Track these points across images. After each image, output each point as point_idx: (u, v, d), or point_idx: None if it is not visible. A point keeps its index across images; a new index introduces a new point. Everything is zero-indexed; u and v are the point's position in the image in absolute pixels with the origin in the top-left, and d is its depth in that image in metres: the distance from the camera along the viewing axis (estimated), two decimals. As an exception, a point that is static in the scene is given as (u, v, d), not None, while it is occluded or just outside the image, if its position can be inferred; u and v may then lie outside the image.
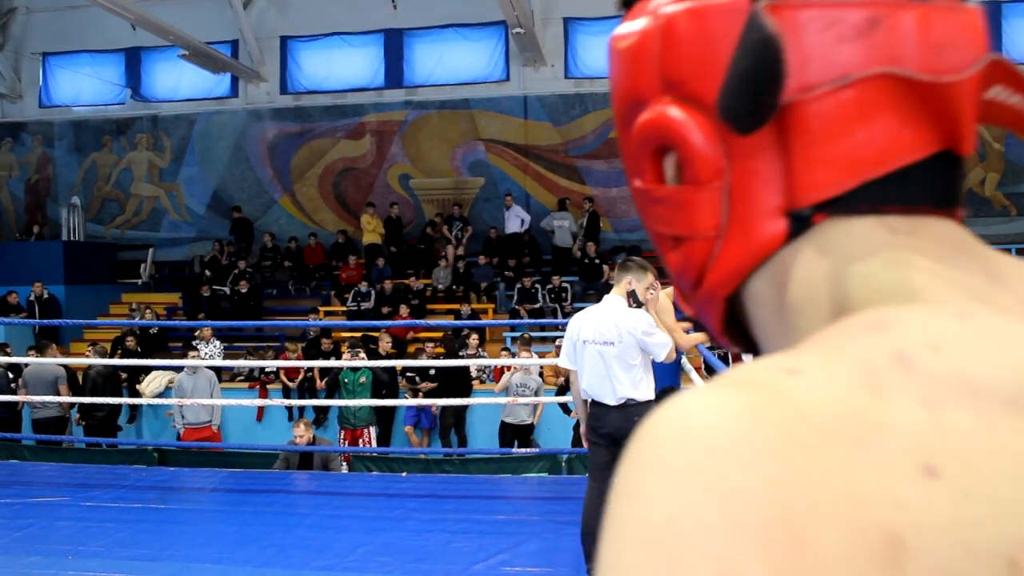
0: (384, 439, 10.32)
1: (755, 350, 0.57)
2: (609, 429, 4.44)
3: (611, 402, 4.43)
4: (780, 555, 0.33)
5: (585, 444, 4.78)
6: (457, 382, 10.43)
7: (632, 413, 4.40)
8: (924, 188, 0.48)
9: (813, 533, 0.33)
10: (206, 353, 11.33)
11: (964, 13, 0.48)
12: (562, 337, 9.74)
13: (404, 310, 13.15)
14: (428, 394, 10.60)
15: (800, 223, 0.48)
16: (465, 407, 10.49)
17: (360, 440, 9.63)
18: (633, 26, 0.54)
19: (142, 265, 16.94)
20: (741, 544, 0.33)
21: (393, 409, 10.46)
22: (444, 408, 10.36)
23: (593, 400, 4.50)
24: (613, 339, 4.41)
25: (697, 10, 0.49)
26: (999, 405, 0.37)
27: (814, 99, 0.46)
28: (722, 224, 0.50)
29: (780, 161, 0.48)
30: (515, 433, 9.69)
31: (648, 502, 0.35)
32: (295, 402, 10.31)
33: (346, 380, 9.96)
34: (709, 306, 0.55)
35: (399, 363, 10.01)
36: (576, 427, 8.70)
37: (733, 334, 0.57)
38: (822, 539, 0.33)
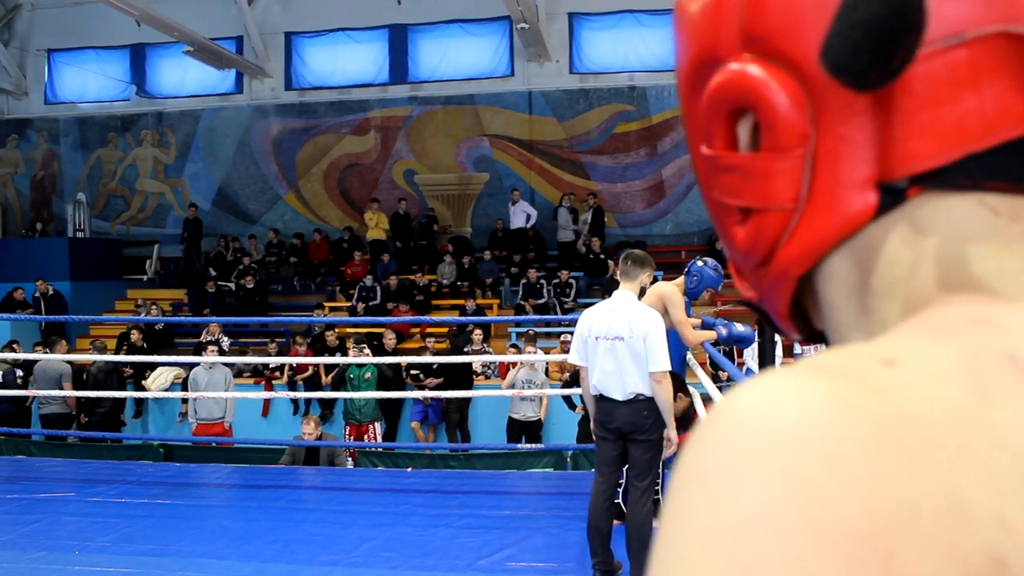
0: (390, 435, 10.34)
1: (816, 339, 0.53)
2: (618, 424, 4.44)
3: (620, 397, 4.42)
4: (865, 568, 0.29)
5: (594, 439, 4.80)
6: (460, 378, 10.44)
7: (641, 408, 4.41)
8: None
9: (905, 550, 0.30)
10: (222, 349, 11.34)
11: None
12: (567, 333, 9.69)
13: (403, 307, 13.18)
14: (433, 390, 10.60)
15: (892, 196, 0.43)
16: (469, 404, 10.49)
17: (366, 436, 9.65)
18: None
19: (147, 261, 16.98)
20: (823, 556, 0.30)
21: (399, 405, 10.47)
22: (449, 404, 10.36)
23: (602, 395, 4.49)
24: (624, 335, 4.40)
25: None
26: None
27: (922, 58, 0.41)
28: (802, 195, 0.45)
29: (874, 127, 0.43)
30: (522, 429, 9.70)
31: (723, 497, 0.32)
32: (302, 394, 10.33)
33: (351, 376, 9.97)
34: (778, 286, 0.50)
35: (404, 359, 10.01)
36: (582, 422, 8.70)
37: (797, 320, 0.52)
38: (915, 557, 0.30)
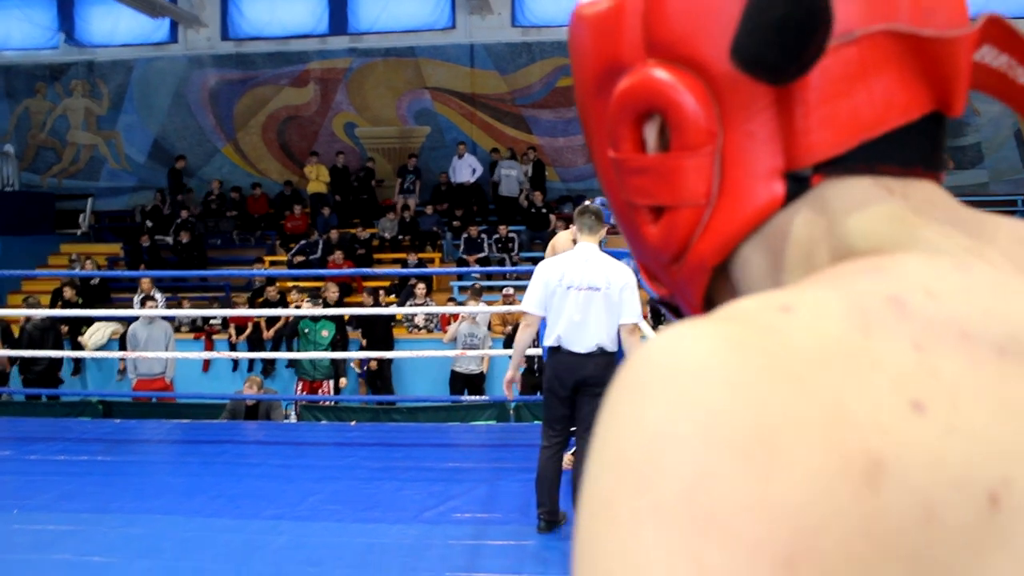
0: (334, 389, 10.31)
1: None
2: (576, 378, 4.43)
3: (582, 350, 4.42)
4: (754, 463, 0.33)
5: (507, 392, 5.02)
6: (383, 330, 10.42)
7: (602, 362, 4.42)
8: (916, 150, 0.48)
9: (790, 447, 0.33)
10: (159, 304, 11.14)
11: None
12: (510, 286, 9.62)
13: (340, 256, 13.06)
14: (369, 346, 10.57)
15: (798, 184, 0.47)
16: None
17: (320, 391, 9.59)
18: None
19: (81, 215, 16.55)
20: (715, 452, 0.33)
21: (344, 360, 10.43)
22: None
23: (562, 347, 4.46)
24: (601, 285, 4.40)
25: None
26: (989, 352, 0.37)
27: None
28: (713, 190, 0.49)
29: (777, 122, 0.47)
30: (465, 382, 9.77)
31: (628, 422, 0.36)
32: (249, 354, 10.23)
33: (307, 330, 9.83)
34: (693, 279, 0.53)
35: (347, 311, 9.94)
36: (525, 375, 8.76)
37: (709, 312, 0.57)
38: (799, 453, 0.33)
